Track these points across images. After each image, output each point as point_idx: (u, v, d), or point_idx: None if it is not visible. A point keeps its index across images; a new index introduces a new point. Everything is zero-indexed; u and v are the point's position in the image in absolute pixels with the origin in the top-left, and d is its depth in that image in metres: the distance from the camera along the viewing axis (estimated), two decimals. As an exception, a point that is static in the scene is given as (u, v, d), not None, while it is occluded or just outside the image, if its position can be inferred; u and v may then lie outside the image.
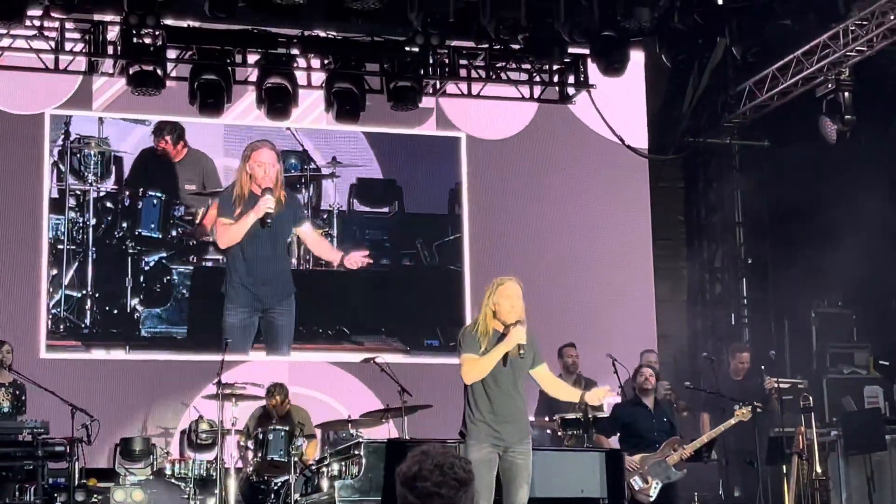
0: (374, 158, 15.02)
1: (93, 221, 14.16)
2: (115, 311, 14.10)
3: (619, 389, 12.26)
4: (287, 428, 11.73)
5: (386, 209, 15.08)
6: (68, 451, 11.09)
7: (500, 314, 8.09)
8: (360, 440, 10.07)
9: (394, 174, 15.10)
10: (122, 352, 13.93)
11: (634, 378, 11.62)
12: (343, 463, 9.96)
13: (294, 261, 14.67)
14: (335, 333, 14.55)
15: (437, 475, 4.16)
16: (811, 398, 12.16)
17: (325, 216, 14.84)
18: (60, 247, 14.03)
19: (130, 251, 14.25)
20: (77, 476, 11.55)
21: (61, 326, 13.91)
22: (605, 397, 8.68)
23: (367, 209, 15.00)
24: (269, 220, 14.13)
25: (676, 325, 15.86)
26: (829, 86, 13.51)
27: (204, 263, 14.43)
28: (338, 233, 14.88)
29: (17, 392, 11.76)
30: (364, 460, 9.62)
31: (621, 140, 14.74)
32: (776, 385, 12.59)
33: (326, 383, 14.15)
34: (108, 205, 14.28)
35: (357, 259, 14.60)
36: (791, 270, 14.90)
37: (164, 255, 14.38)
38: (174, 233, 14.44)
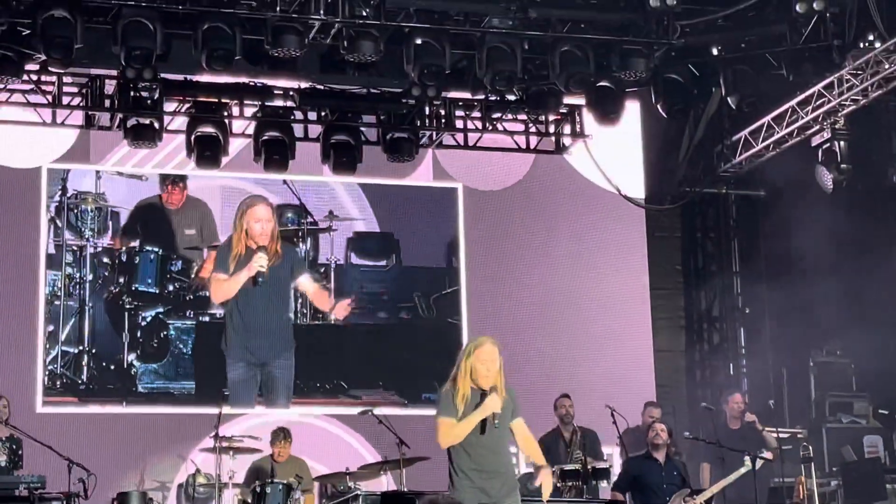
0: (370, 211, 15.02)
1: (90, 277, 14.15)
2: (112, 367, 14.04)
3: (617, 440, 12.22)
4: (285, 482, 11.66)
5: (383, 262, 15.05)
6: (65, 505, 11.02)
7: (475, 378, 8.00)
8: (358, 493, 10.04)
9: (391, 227, 15.09)
10: (119, 406, 13.88)
11: (647, 433, 11.66)
12: (341, 516, 9.92)
13: (291, 315, 14.61)
14: (333, 387, 14.50)
15: None
16: (811, 448, 12.11)
17: (322, 270, 14.78)
18: (57, 302, 14.01)
19: (127, 306, 14.21)
20: (74, 531, 11.46)
21: (58, 382, 13.86)
22: (546, 487, 8.41)
23: (365, 262, 14.97)
24: (259, 279, 13.98)
25: (675, 374, 15.83)
26: (825, 135, 13.54)
27: (201, 318, 14.38)
28: (335, 286, 14.83)
29: (14, 447, 11.71)
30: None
31: (618, 190, 14.77)
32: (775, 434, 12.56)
33: (324, 436, 14.10)
34: (105, 260, 14.26)
35: (342, 309, 14.49)
36: (789, 319, 14.88)
37: (160, 309, 14.34)
38: (171, 287, 14.41)
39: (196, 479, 12.49)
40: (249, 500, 11.78)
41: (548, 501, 10.44)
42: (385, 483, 12.46)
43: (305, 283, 14.39)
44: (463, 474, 7.97)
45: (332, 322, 14.64)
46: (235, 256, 14.08)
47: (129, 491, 12.55)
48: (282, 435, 12.43)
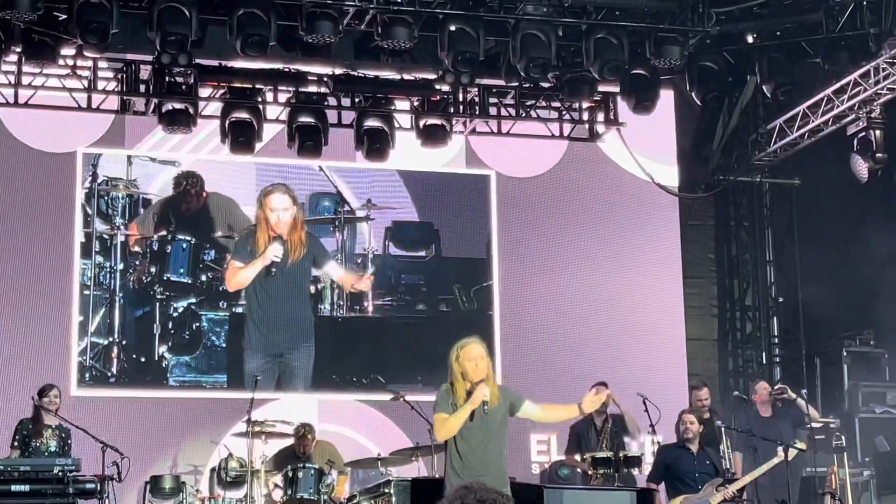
0: (410, 200, 14.76)
1: (120, 266, 13.85)
2: (143, 360, 13.81)
3: (650, 429, 12.21)
4: (317, 465, 11.70)
5: (422, 253, 14.78)
6: (99, 488, 11.09)
7: (467, 376, 8.18)
8: (390, 478, 10.05)
9: (430, 216, 14.82)
10: (153, 390, 13.78)
11: (677, 427, 11.64)
12: (373, 501, 9.95)
13: (328, 307, 14.37)
14: (370, 382, 14.26)
15: None
16: (843, 438, 12.07)
17: (359, 260, 14.50)
18: (87, 292, 13.74)
19: (159, 297, 13.91)
20: (107, 513, 11.55)
21: (87, 375, 13.63)
22: (600, 400, 8.72)
23: (403, 253, 14.68)
24: (273, 270, 13.90)
25: (707, 363, 15.80)
26: (860, 124, 13.47)
27: (235, 309, 14.10)
28: (373, 278, 14.48)
29: (64, 435, 11.81)
30: (394, 498, 9.60)
31: (651, 178, 14.73)
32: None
33: (356, 421, 14.10)
34: (136, 249, 13.99)
35: (364, 282, 14.33)
36: (822, 309, 14.82)
37: (193, 300, 14.05)
38: (204, 277, 14.10)
39: (229, 462, 12.54)
40: (281, 485, 11.82)
41: (580, 488, 10.50)
42: (417, 469, 12.47)
43: (332, 270, 14.37)
44: (454, 473, 8.16)
45: (370, 315, 14.47)
46: (255, 245, 14.08)
47: (162, 474, 12.64)
48: (303, 431, 12.42)
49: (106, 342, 13.77)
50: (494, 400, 8.15)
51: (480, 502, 4.19)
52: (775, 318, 16.14)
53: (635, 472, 12.30)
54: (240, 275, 14.04)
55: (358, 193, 14.69)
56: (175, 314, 13.99)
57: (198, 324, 14.07)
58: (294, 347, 14.18)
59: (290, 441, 12.58)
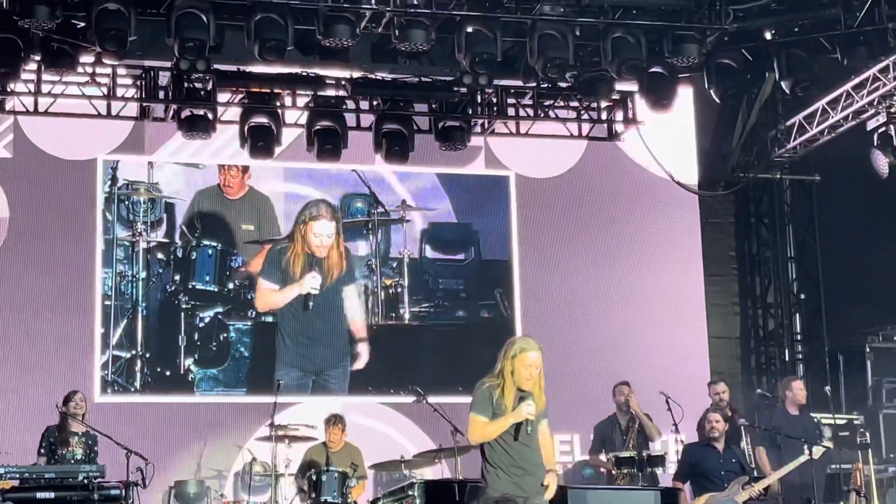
0: (447, 200, 14.41)
1: (142, 274, 13.51)
2: (168, 373, 13.50)
3: (672, 427, 12.19)
4: (341, 469, 11.71)
5: (461, 256, 14.42)
6: (123, 494, 11.11)
7: (517, 379, 7.90)
8: (414, 480, 10.05)
9: (469, 217, 14.42)
10: (176, 395, 13.66)
11: (703, 426, 11.61)
12: (397, 503, 9.95)
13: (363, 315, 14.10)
14: (407, 393, 13.22)
15: None
16: (868, 434, 12.03)
17: (394, 265, 14.16)
18: (108, 303, 13.42)
19: (184, 306, 13.60)
20: (132, 519, 11.57)
21: (109, 390, 13.34)
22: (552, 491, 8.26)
23: (441, 256, 14.28)
24: (310, 303, 13.65)
25: (730, 361, 15.78)
26: (880, 119, 13.43)
27: (263, 318, 13.71)
28: (409, 283, 14.16)
29: (90, 443, 11.82)
30: (417, 500, 9.60)
31: (671, 176, 14.71)
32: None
33: (380, 423, 14.09)
34: (160, 256, 13.66)
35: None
36: (845, 305, 14.79)
37: (220, 310, 13.67)
38: (231, 285, 13.76)
39: (253, 467, 12.56)
40: (305, 488, 11.84)
41: (604, 488, 10.49)
42: (441, 471, 12.47)
43: (350, 293, 13.92)
44: (500, 469, 7.95)
45: (406, 322, 14.04)
46: (289, 264, 13.81)
47: (187, 479, 12.66)
48: (334, 420, 12.42)
49: (129, 355, 13.48)
50: (540, 405, 7.89)
51: None
52: (797, 314, 16.11)
53: (659, 471, 12.28)
54: (273, 298, 13.63)
55: (392, 194, 14.29)
56: (201, 325, 13.68)
57: (225, 334, 13.72)
58: (333, 366, 13.83)
59: (314, 443, 12.59)
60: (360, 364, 13.94)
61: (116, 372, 13.43)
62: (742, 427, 12.19)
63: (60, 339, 13.58)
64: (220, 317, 13.76)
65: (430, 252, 14.30)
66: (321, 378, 13.84)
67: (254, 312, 13.86)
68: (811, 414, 12.82)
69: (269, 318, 13.83)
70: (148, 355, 13.55)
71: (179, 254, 13.80)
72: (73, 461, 11.59)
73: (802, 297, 16.08)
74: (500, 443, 7.95)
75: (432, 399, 11.80)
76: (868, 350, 14.52)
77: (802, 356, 15.93)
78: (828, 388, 13.72)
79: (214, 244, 13.86)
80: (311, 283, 13.70)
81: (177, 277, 13.72)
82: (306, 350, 13.75)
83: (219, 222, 13.96)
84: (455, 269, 14.30)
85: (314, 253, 13.77)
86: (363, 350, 13.96)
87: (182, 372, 13.66)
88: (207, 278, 13.73)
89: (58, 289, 13.66)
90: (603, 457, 12.70)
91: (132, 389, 13.50)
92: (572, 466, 13.77)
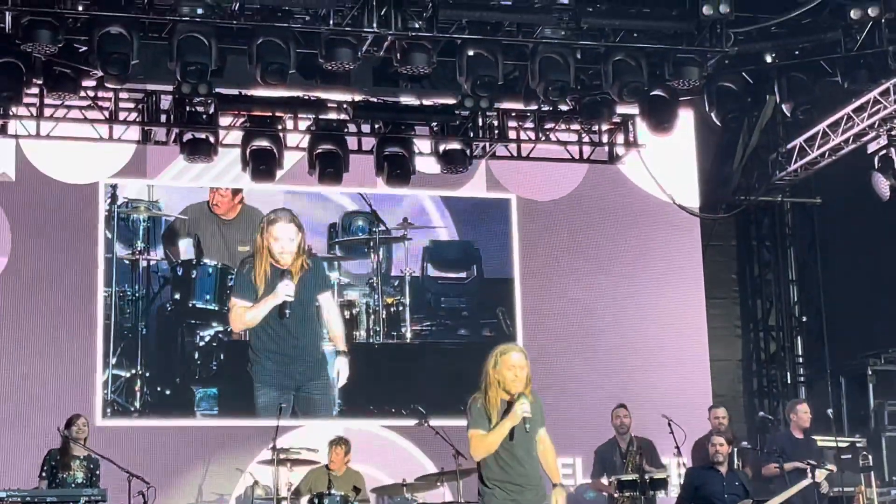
0: (449, 218, 14.38)
1: (142, 292, 13.54)
2: (168, 392, 13.46)
3: (675, 450, 12.17)
4: (343, 493, 11.69)
5: (463, 274, 14.39)
6: (125, 518, 11.12)
7: (505, 386, 7.86)
8: (416, 504, 10.04)
9: (471, 235, 14.40)
10: (178, 419, 13.62)
11: (699, 450, 11.60)
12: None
13: (363, 333, 14.00)
14: (409, 412, 13.41)
15: None
16: (870, 457, 12.01)
17: (395, 283, 14.12)
18: (107, 322, 13.40)
19: (184, 325, 13.64)
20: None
21: (108, 410, 13.30)
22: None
23: (443, 274, 14.24)
24: (287, 311, 13.55)
25: (731, 384, 15.77)
26: (881, 141, 13.46)
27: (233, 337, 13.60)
28: (410, 301, 14.13)
29: (92, 466, 11.80)
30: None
31: (672, 199, 14.72)
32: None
33: (381, 447, 14.06)
34: (159, 274, 13.69)
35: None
36: (846, 327, 14.78)
37: (220, 328, 13.70)
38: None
39: (254, 490, 12.53)
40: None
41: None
42: (443, 494, 12.45)
43: (326, 301, 13.88)
44: (495, 487, 7.83)
45: (408, 341, 13.98)
46: (260, 279, 13.76)
47: (189, 503, 12.64)
48: (338, 441, 12.40)
49: (128, 374, 13.46)
50: (529, 409, 7.79)
51: None
52: (799, 337, 16.11)
53: (661, 494, 12.26)
54: (248, 316, 13.51)
55: (393, 213, 14.27)
56: (202, 343, 13.66)
57: (225, 353, 13.72)
58: (312, 378, 13.84)
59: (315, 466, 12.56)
60: (342, 379, 13.85)
61: (116, 391, 13.41)
62: (735, 451, 12.17)
63: (61, 359, 13.57)
64: (220, 335, 13.75)
65: (431, 270, 14.29)
66: (302, 393, 13.69)
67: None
68: (812, 437, 12.81)
69: (242, 336, 13.73)
70: (147, 374, 13.53)
71: (179, 272, 13.79)
72: (74, 485, 11.58)
73: (804, 319, 16.08)
74: (497, 458, 7.83)
75: (434, 420, 11.73)
76: (870, 373, 14.49)
77: (804, 379, 15.91)
78: (830, 410, 13.69)
79: (214, 262, 13.85)
80: (285, 290, 13.62)
81: (176, 296, 13.71)
82: (285, 368, 13.66)
83: (217, 238, 13.92)
84: (457, 287, 14.31)
85: (278, 262, 13.70)
86: (342, 364, 13.85)
87: (182, 391, 13.60)
88: (207, 297, 13.74)
89: (60, 311, 13.66)
90: (605, 480, 12.68)
91: (132, 409, 13.48)
92: (574, 490, 13.74)
